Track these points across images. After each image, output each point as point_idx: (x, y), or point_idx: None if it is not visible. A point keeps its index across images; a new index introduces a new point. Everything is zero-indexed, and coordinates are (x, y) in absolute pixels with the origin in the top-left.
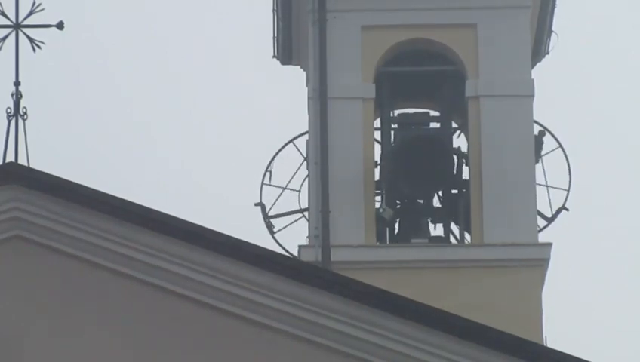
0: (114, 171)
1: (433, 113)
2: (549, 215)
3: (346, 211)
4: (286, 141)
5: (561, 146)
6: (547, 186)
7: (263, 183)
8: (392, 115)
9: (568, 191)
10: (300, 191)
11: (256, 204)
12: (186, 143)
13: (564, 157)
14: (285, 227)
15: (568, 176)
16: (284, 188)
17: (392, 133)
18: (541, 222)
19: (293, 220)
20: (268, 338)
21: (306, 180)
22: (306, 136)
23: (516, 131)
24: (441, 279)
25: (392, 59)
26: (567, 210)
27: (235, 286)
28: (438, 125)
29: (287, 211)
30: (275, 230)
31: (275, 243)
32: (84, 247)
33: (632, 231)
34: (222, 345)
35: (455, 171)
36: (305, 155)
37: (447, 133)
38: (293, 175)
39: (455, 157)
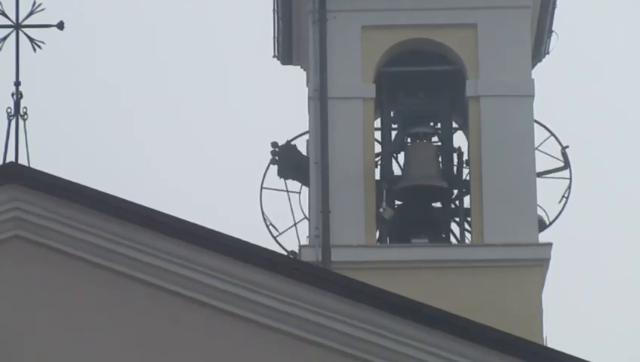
0: (114, 171)
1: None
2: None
3: (346, 211)
4: (259, 189)
5: (569, 167)
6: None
7: (268, 227)
8: (392, 115)
9: (566, 202)
10: (308, 219)
11: (291, 254)
12: (187, 143)
13: (569, 176)
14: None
15: (568, 190)
16: (295, 225)
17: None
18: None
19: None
20: (268, 339)
21: (301, 196)
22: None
23: (516, 131)
24: (441, 279)
25: (392, 59)
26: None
27: (235, 286)
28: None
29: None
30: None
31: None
32: (84, 247)
33: (632, 230)
34: (222, 345)
35: (455, 171)
36: (285, 188)
37: (446, 138)
38: (291, 209)
39: (455, 156)
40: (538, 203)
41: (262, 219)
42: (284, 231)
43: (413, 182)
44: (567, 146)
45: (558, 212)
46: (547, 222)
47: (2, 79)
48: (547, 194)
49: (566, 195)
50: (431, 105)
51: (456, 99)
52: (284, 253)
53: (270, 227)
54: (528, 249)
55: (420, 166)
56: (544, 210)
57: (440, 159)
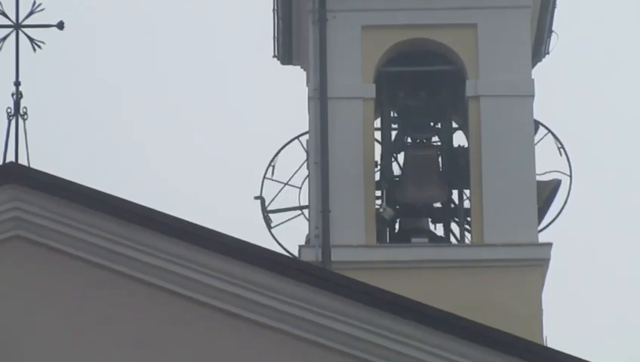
0: (114, 171)
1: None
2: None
3: (346, 211)
4: (290, 138)
5: (547, 129)
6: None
7: (264, 177)
8: (392, 115)
9: (569, 189)
10: (300, 188)
11: (255, 198)
12: (186, 143)
13: (568, 165)
14: (283, 223)
15: (569, 178)
16: (285, 184)
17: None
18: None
19: (291, 216)
20: (268, 338)
21: (308, 179)
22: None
23: (516, 131)
24: (441, 279)
25: (392, 59)
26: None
27: (235, 286)
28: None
29: (287, 207)
30: (272, 225)
31: (272, 238)
32: (84, 247)
33: (632, 230)
34: (222, 345)
35: (455, 171)
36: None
37: (447, 138)
38: (295, 171)
39: (455, 157)
40: (547, 169)
41: (260, 212)
42: (272, 198)
43: (413, 201)
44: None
45: (567, 163)
46: (567, 176)
47: (2, 79)
48: (545, 160)
49: (559, 145)
50: (431, 105)
51: (456, 99)
52: (256, 198)
53: (266, 179)
54: (528, 249)
55: (419, 184)
56: (558, 171)
57: (440, 161)
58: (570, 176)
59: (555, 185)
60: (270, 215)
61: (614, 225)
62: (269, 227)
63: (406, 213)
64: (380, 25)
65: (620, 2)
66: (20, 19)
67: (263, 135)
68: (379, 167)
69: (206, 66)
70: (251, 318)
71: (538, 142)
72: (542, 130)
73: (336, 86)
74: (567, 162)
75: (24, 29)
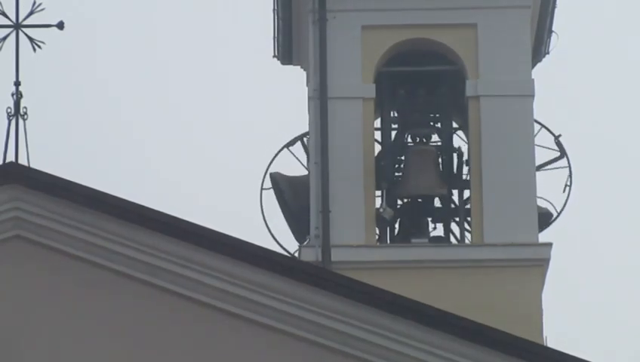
0: (114, 171)
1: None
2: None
3: (346, 211)
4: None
5: (565, 155)
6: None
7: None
8: (392, 115)
9: (565, 203)
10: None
11: (304, 134)
12: (186, 143)
13: (569, 175)
14: (281, 157)
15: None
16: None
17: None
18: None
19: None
20: (268, 338)
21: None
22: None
23: (516, 131)
24: (441, 279)
25: (392, 59)
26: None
27: (235, 286)
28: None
29: (303, 162)
30: (277, 152)
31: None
32: (84, 247)
33: (633, 230)
34: (222, 345)
35: (455, 171)
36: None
37: (446, 138)
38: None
39: (455, 156)
40: (542, 195)
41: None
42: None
43: (413, 192)
44: (559, 135)
45: (564, 201)
46: (555, 213)
47: (2, 79)
48: (549, 186)
49: (568, 183)
50: (431, 105)
51: (456, 99)
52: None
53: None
54: (528, 249)
55: (419, 176)
56: (550, 203)
57: (440, 161)
58: (570, 172)
59: (544, 213)
60: (287, 148)
61: (614, 225)
62: (276, 154)
63: (406, 212)
64: (380, 25)
65: (619, 2)
66: (20, 19)
67: (263, 135)
68: (379, 167)
69: (206, 66)
70: (251, 318)
71: (533, 137)
72: (535, 126)
73: (336, 86)
74: (566, 158)
75: (24, 29)
